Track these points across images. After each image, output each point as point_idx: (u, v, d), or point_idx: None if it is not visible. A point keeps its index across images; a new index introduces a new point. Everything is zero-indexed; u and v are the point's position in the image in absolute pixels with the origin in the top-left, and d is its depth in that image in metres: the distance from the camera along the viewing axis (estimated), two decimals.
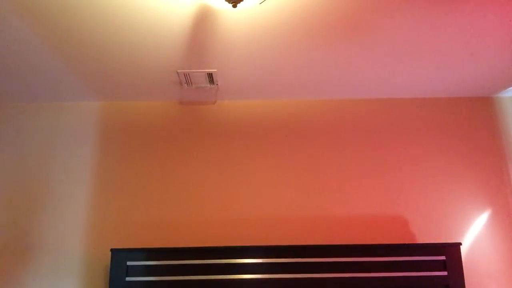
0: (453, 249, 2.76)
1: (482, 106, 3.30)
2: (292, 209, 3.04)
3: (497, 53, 2.70)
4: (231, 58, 2.71)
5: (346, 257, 2.77)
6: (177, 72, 2.86)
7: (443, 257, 2.72)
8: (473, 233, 3.02)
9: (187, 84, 3.01)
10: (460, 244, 2.80)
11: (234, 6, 2.00)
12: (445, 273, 2.70)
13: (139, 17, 2.26)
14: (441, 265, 2.71)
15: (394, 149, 3.20)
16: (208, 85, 3.04)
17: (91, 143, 3.21)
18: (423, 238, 2.97)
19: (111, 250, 2.75)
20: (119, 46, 2.54)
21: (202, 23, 2.32)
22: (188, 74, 2.88)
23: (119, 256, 2.74)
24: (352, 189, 3.10)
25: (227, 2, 1.99)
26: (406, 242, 2.97)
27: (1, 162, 3.15)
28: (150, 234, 2.96)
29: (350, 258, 2.76)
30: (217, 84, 3.03)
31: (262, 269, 2.70)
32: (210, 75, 2.90)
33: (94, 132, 3.24)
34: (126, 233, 2.98)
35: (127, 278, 2.69)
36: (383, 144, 3.22)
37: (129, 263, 2.72)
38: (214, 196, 3.08)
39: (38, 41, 2.46)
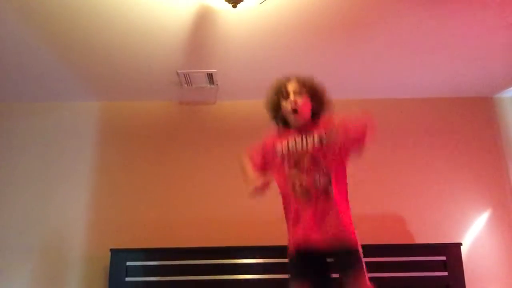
0: (453, 249, 2.75)
1: (482, 106, 3.30)
2: None
3: (497, 54, 2.69)
4: (231, 58, 2.70)
5: None
6: (177, 72, 2.86)
7: (443, 257, 2.72)
8: (473, 233, 3.02)
9: (187, 84, 3.01)
10: (461, 244, 2.79)
11: (234, 6, 2.00)
12: (445, 273, 2.69)
13: (139, 17, 2.26)
14: (442, 265, 2.71)
15: (394, 149, 3.20)
16: (208, 85, 3.03)
17: (91, 143, 3.21)
18: (423, 238, 2.96)
19: (111, 250, 2.74)
20: (119, 46, 2.53)
21: (202, 23, 2.32)
22: (188, 74, 2.88)
23: (118, 256, 2.73)
24: (352, 189, 3.07)
25: (227, 3, 1.99)
26: (406, 242, 2.96)
27: (1, 161, 3.15)
28: (150, 234, 2.96)
29: None
30: (217, 85, 3.03)
31: (262, 269, 2.70)
32: (210, 75, 2.90)
33: (94, 132, 3.23)
34: (126, 233, 2.97)
35: (127, 278, 2.69)
36: (383, 144, 3.20)
37: (128, 263, 2.72)
38: (214, 196, 3.08)
39: (38, 41, 2.46)
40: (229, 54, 2.66)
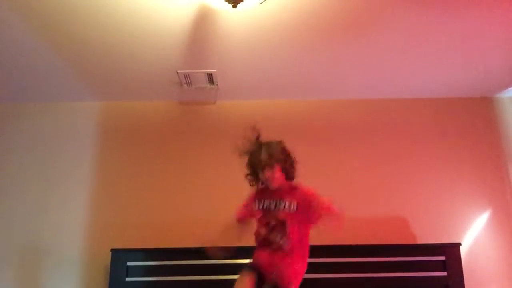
0: (453, 249, 2.76)
1: (482, 106, 3.30)
2: None
3: (497, 53, 2.69)
4: (231, 58, 2.70)
5: (346, 257, 2.76)
6: (177, 72, 2.86)
7: (443, 258, 2.72)
8: (473, 233, 3.02)
9: (187, 84, 3.01)
10: (460, 244, 2.80)
11: (234, 6, 1.99)
12: (444, 273, 2.69)
13: (139, 17, 2.26)
14: (441, 265, 2.71)
15: (394, 149, 3.20)
16: (208, 85, 3.03)
17: (91, 143, 3.21)
18: (423, 238, 2.96)
19: (111, 250, 2.75)
20: (119, 46, 2.53)
21: (202, 23, 2.32)
22: (188, 74, 2.88)
23: (119, 256, 2.74)
24: (352, 190, 3.09)
25: (227, 3, 1.99)
26: (406, 242, 2.96)
27: (1, 162, 3.15)
28: (150, 235, 2.96)
29: (350, 258, 2.76)
30: (217, 85, 3.03)
31: None
32: (210, 76, 2.90)
33: (94, 132, 3.23)
34: (126, 233, 2.97)
35: (127, 278, 2.69)
36: (383, 144, 3.21)
37: (129, 263, 2.72)
38: (214, 196, 3.08)
39: (39, 41, 2.46)
40: (229, 54, 2.66)
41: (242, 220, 2.21)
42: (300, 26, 2.37)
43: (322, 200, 1.99)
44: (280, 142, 2.13)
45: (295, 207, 2.01)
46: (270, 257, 2.01)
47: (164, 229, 2.99)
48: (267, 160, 2.03)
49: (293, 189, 2.09)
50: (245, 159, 2.13)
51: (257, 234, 2.12)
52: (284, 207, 2.02)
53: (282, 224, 2.00)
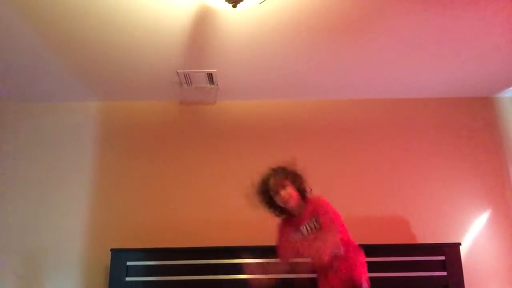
0: (453, 249, 2.75)
1: (482, 106, 3.30)
2: None
3: (497, 53, 2.69)
4: (231, 58, 2.70)
5: None
6: (177, 72, 2.86)
7: (442, 257, 2.72)
8: (473, 233, 3.02)
9: (187, 84, 3.01)
10: (460, 244, 2.79)
11: (234, 6, 2.00)
12: (444, 273, 2.69)
13: (139, 17, 2.26)
14: (441, 265, 2.71)
15: (394, 149, 3.20)
16: (208, 85, 3.03)
17: (91, 143, 3.21)
18: (422, 238, 2.96)
19: (111, 250, 2.74)
20: (119, 46, 2.53)
21: (202, 23, 2.32)
22: (188, 74, 2.88)
23: (119, 256, 2.74)
24: (352, 189, 3.09)
25: (227, 2, 1.99)
26: (406, 242, 2.97)
27: (1, 162, 3.15)
28: (150, 234, 2.96)
29: None
30: (217, 84, 3.03)
31: (261, 269, 2.70)
32: (210, 75, 2.90)
33: (94, 132, 3.23)
34: (126, 233, 2.97)
35: (127, 278, 2.69)
36: (383, 144, 3.21)
37: (129, 263, 2.72)
38: (214, 196, 3.08)
39: (39, 41, 2.46)
40: (229, 54, 2.66)
41: (288, 258, 2.28)
42: (300, 26, 2.37)
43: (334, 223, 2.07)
44: (282, 167, 2.21)
45: (318, 222, 2.12)
46: (339, 279, 2.14)
47: (164, 229, 2.99)
48: (278, 181, 2.14)
49: (308, 206, 2.17)
50: (259, 197, 2.24)
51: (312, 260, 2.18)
52: (315, 227, 2.13)
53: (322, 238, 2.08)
